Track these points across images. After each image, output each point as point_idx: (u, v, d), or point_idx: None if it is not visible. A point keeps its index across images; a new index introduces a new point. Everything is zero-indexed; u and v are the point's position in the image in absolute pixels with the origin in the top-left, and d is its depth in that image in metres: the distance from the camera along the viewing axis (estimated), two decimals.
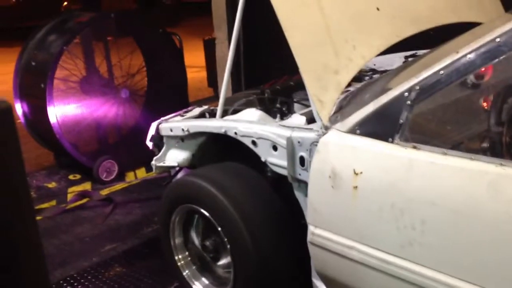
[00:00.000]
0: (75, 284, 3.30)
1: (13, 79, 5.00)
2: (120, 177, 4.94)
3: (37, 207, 4.36)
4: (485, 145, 1.87)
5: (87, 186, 4.83)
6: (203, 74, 6.43)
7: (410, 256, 1.83)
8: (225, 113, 2.88)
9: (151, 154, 3.19)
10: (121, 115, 5.12)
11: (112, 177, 4.87)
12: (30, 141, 5.21)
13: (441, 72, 1.85)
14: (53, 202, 4.54)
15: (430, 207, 1.76)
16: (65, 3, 13.33)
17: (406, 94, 1.92)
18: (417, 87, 1.89)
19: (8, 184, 0.90)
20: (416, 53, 3.14)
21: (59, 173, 5.16)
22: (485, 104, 2.04)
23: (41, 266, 1.12)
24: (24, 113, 5.03)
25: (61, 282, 3.31)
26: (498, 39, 1.76)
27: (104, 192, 4.67)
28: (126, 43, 5.21)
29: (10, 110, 0.83)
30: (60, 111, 4.70)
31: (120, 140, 5.31)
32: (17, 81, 4.99)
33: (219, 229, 2.54)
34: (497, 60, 1.78)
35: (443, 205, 1.72)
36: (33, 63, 4.84)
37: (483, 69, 1.95)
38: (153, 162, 3.12)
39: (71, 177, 5.05)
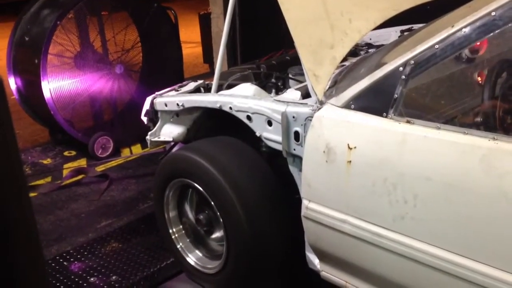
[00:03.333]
0: (71, 259, 3.31)
1: (7, 55, 4.96)
2: (116, 153, 4.94)
3: (32, 184, 4.36)
4: (478, 119, 1.87)
5: (82, 162, 4.83)
6: (199, 50, 6.38)
7: (402, 229, 1.85)
8: (220, 88, 2.87)
9: (147, 130, 3.18)
10: (116, 91, 5.10)
11: (108, 153, 4.87)
12: (25, 117, 5.19)
13: (436, 46, 1.85)
14: (49, 179, 4.54)
15: (422, 181, 1.77)
16: None
17: (401, 68, 1.91)
18: (412, 62, 1.89)
19: (1, 160, 0.89)
20: (412, 27, 3.12)
21: (54, 150, 5.16)
22: (479, 78, 2.04)
23: (35, 242, 1.12)
24: (18, 89, 5.01)
25: (57, 257, 3.33)
26: (493, 13, 1.75)
27: (100, 168, 4.66)
28: (121, 18, 5.16)
29: (1, 84, 0.82)
30: (55, 86, 4.67)
31: (115, 116, 5.29)
32: (11, 57, 4.95)
33: (212, 203, 2.55)
34: (492, 34, 1.77)
35: (436, 179, 1.73)
36: (27, 38, 4.80)
37: (478, 43, 1.94)
38: (148, 137, 3.12)
39: (66, 153, 5.04)
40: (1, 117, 0.92)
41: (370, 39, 3.16)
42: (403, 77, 1.90)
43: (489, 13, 1.76)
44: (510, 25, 1.73)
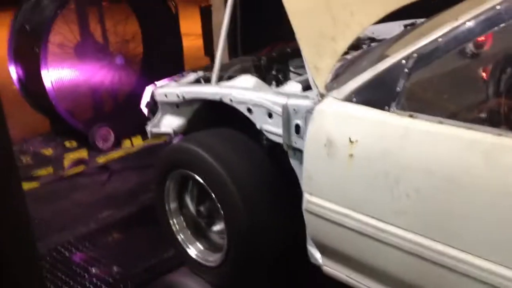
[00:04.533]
0: (72, 249, 3.31)
1: (7, 43, 4.93)
2: (117, 144, 4.93)
3: (34, 174, 4.36)
4: (482, 115, 1.86)
5: (83, 153, 4.82)
6: (200, 42, 6.35)
7: (404, 224, 1.84)
8: (220, 80, 2.85)
9: (147, 121, 3.17)
10: (117, 82, 5.08)
11: (108, 144, 4.85)
12: (26, 106, 5.17)
13: (440, 39, 1.83)
14: (50, 169, 4.53)
15: (425, 175, 1.75)
16: None
17: (404, 61, 1.90)
18: (415, 55, 1.87)
19: None
20: (415, 21, 3.09)
21: (55, 140, 5.14)
22: (483, 73, 2.02)
23: (28, 235, 1.11)
24: (19, 78, 4.98)
25: (59, 247, 3.33)
26: (498, 6, 1.73)
27: (101, 159, 4.66)
28: (121, 8, 5.13)
29: None
30: (55, 76, 4.65)
31: (116, 107, 5.27)
32: (12, 46, 4.92)
33: (213, 194, 2.54)
34: (496, 28, 1.75)
35: (438, 174, 1.72)
36: (27, 27, 4.77)
37: (482, 38, 1.93)
38: (148, 128, 3.11)
39: (67, 144, 5.02)
40: None
41: (373, 33, 3.14)
42: (406, 70, 1.88)
43: (494, 7, 1.74)
44: None
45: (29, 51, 4.67)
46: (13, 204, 1.07)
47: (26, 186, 4.06)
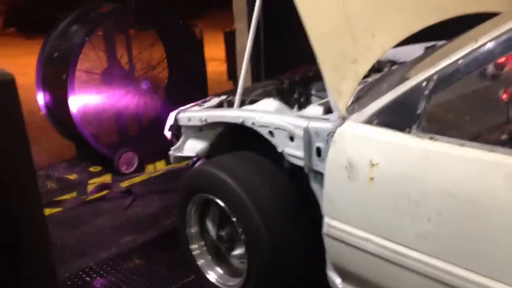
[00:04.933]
0: (94, 275, 3.31)
1: (36, 70, 5.03)
2: (140, 169, 4.96)
3: (58, 199, 4.40)
4: (503, 137, 1.83)
5: (107, 178, 4.86)
6: (224, 67, 6.41)
7: (425, 248, 1.81)
8: (242, 103, 2.87)
9: (171, 146, 3.19)
10: (142, 107, 5.14)
11: (132, 169, 4.89)
12: (52, 133, 5.26)
13: (460, 61, 1.82)
14: (74, 194, 4.57)
15: (446, 199, 1.73)
16: None
17: (424, 84, 1.89)
18: (435, 77, 1.86)
19: (12, 158, 0.90)
20: (436, 43, 3.08)
21: (80, 165, 5.20)
22: (504, 95, 1.99)
23: (47, 259, 1.12)
24: (46, 104, 5.07)
25: (80, 273, 3.33)
26: None
27: (124, 184, 4.69)
28: (148, 35, 5.22)
29: (13, 82, 0.83)
30: (82, 102, 4.73)
31: (141, 132, 5.32)
32: (40, 72, 5.03)
33: (234, 219, 2.54)
34: None
35: (460, 197, 1.69)
36: (56, 54, 4.87)
37: (503, 59, 1.91)
38: (171, 152, 3.13)
39: (92, 169, 5.08)
40: (14, 117, 0.92)
41: (394, 56, 3.13)
42: (426, 92, 1.87)
43: None
44: None
45: (57, 78, 4.75)
46: (34, 229, 1.07)
47: (49, 211, 4.10)
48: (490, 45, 1.76)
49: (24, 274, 1.05)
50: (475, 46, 1.78)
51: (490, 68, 1.93)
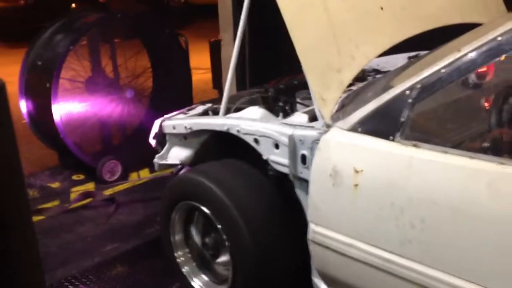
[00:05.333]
0: (77, 283, 3.29)
1: (19, 79, 5.00)
2: (124, 177, 4.94)
3: (40, 207, 4.36)
4: (485, 144, 1.87)
5: (90, 186, 4.83)
6: (208, 76, 6.43)
7: (409, 254, 1.83)
8: (228, 112, 2.88)
9: (155, 154, 3.19)
10: (126, 115, 5.12)
11: (116, 177, 4.87)
12: (34, 140, 5.22)
13: (443, 70, 1.85)
14: (57, 202, 4.53)
15: (430, 205, 1.75)
16: (73, 5, 13.39)
17: (408, 92, 1.92)
18: (419, 85, 1.90)
19: (2, 167, 0.90)
20: (419, 54, 3.13)
21: (62, 173, 5.16)
22: (486, 103, 2.04)
23: (37, 267, 1.12)
24: (29, 113, 5.03)
25: (63, 281, 3.30)
26: (499, 38, 1.76)
27: (108, 192, 4.66)
28: (133, 44, 5.21)
29: (3, 87, 0.83)
30: (65, 110, 4.70)
31: (124, 140, 5.30)
32: (23, 81, 4.99)
33: (219, 226, 2.54)
34: (498, 59, 1.78)
35: (443, 204, 1.72)
36: (39, 63, 4.85)
37: (484, 68, 1.95)
38: (155, 160, 3.13)
39: (74, 177, 5.04)
40: (3, 123, 0.92)
41: (378, 65, 3.18)
42: (410, 100, 1.90)
43: (495, 38, 1.77)
44: None
45: (40, 86, 4.73)
46: (24, 235, 1.07)
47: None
48: (472, 55, 1.80)
49: (15, 281, 1.05)
50: (458, 55, 1.82)
51: (472, 77, 1.97)
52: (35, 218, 4.14)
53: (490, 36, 1.79)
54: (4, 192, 0.97)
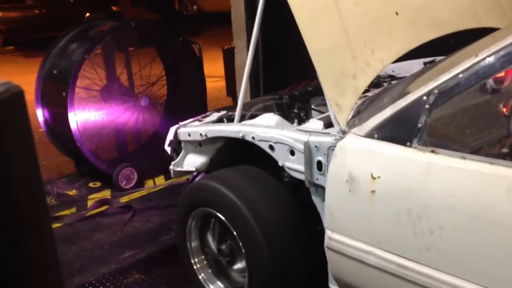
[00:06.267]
0: None
1: (35, 87, 5.05)
2: (140, 184, 4.97)
3: (57, 214, 4.40)
4: (504, 150, 1.85)
5: (106, 193, 4.86)
6: (222, 83, 6.46)
7: (427, 261, 1.81)
8: (242, 119, 2.88)
9: (170, 161, 3.20)
10: (141, 123, 5.15)
11: (131, 184, 4.89)
12: (51, 149, 5.26)
13: (460, 75, 1.84)
14: (73, 209, 4.57)
15: (448, 212, 1.74)
16: (88, 13, 13.53)
17: (425, 98, 1.90)
18: (436, 91, 1.88)
19: (22, 173, 0.90)
20: (435, 59, 3.11)
21: (79, 181, 5.20)
22: (504, 109, 2.02)
23: (56, 274, 1.11)
24: (45, 121, 5.08)
25: None
26: None
27: (124, 199, 4.69)
28: (147, 52, 5.25)
29: (22, 94, 0.83)
30: (81, 119, 4.74)
31: (140, 148, 5.34)
32: (39, 89, 5.05)
33: (235, 233, 2.54)
34: None
35: (462, 210, 1.70)
36: (55, 72, 4.90)
37: (503, 73, 1.93)
38: (171, 167, 3.14)
39: (91, 184, 5.08)
40: (22, 131, 0.93)
41: (393, 71, 3.16)
42: (427, 106, 1.89)
43: None
44: None
45: (56, 95, 4.77)
46: (43, 241, 1.07)
47: None
48: (490, 60, 1.78)
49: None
50: (475, 60, 1.81)
51: (490, 82, 1.96)
52: (52, 226, 4.16)
53: (508, 40, 1.77)
54: (25, 200, 0.98)
